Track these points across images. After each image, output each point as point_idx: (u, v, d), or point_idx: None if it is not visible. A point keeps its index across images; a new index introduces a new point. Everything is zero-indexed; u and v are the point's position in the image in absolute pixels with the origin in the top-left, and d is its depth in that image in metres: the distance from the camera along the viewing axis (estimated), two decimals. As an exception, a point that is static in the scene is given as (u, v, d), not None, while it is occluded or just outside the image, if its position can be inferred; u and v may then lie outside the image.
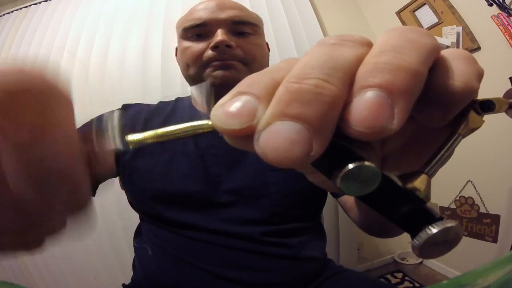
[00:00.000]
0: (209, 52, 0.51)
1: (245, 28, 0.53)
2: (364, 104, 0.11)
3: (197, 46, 0.52)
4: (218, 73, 0.50)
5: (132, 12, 1.27)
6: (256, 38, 0.55)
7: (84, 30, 1.27)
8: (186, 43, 0.54)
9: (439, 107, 0.13)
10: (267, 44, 0.60)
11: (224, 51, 0.50)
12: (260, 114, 0.11)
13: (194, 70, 0.53)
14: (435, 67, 0.13)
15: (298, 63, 0.12)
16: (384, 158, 0.17)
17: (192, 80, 0.55)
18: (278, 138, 0.10)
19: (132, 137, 0.13)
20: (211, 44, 0.50)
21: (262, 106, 0.12)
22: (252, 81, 0.12)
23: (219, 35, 0.49)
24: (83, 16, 1.31)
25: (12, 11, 1.43)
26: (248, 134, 0.11)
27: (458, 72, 0.13)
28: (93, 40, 1.25)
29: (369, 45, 0.13)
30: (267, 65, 0.57)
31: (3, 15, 1.44)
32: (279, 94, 0.11)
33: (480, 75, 0.14)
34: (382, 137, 0.11)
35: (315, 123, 0.10)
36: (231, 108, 0.12)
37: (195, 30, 0.53)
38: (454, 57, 0.13)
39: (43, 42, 1.29)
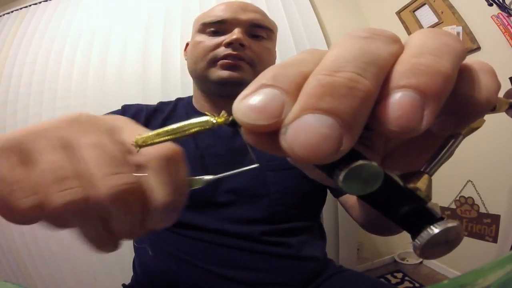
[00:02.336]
0: (222, 49, 0.52)
1: (261, 31, 0.55)
2: (399, 104, 0.11)
3: (210, 41, 0.53)
4: (225, 72, 0.51)
5: (133, 13, 1.27)
6: (269, 43, 0.57)
7: (84, 31, 1.27)
8: (201, 37, 0.55)
9: (456, 116, 0.13)
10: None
11: (237, 49, 0.51)
12: (287, 109, 0.11)
13: (202, 65, 0.53)
14: (461, 76, 0.13)
15: (328, 55, 0.12)
16: (386, 155, 0.17)
17: (198, 76, 0.55)
18: (308, 132, 0.10)
19: (140, 138, 0.13)
20: (226, 40, 0.51)
21: (289, 100, 0.11)
22: (277, 73, 0.12)
23: (236, 33, 0.51)
24: (83, 17, 1.31)
25: (12, 11, 1.43)
26: (273, 130, 0.11)
27: (484, 85, 0.13)
28: (93, 41, 1.25)
29: (399, 42, 0.13)
30: None
31: (3, 15, 1.44)
32: (310, 87, 0.11)
33: (499, 90, 0.14)
34: (407, 136, 0.11)
35: (347, 118, 0.10)
36: (256, 102, 0.11)
37: (213, 26, 0.54)
38: (481, 70, 0.13)
39: (42, 42, 1.29)
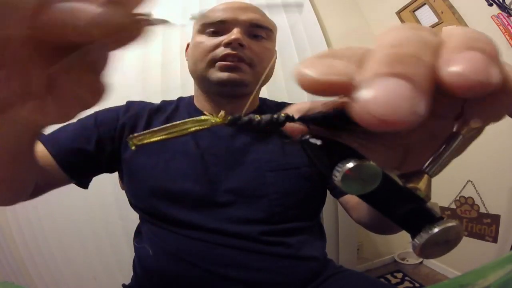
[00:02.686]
0: (221, 49, 0.51)
1: (260, 31, 0.55)
2: (472, 58, 0.11)
3: (210, 41, 0.53)
4: (224, 74, 0.51)
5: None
6: (268, 43, 0.57)
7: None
8: (200, 38, 0.55)
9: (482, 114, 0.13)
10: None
11: (236, 49, 0.51)
12: (353, 74, 0.11)
13: (202, 66, 0.53)
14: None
15: (384, 36, 0.12)
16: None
17: (198, 76, 0.56)
18: (385, 93, 0.10)
19: (135, 136, 0.13)
20: (225, 40, 0.51)
21: (353, 67, 0.12)
22: (334, 52, 0.12)
23: (235, 33, 0.51)
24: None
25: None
26: (337, 90, 0.11)
27: None
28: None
29: (441, 36, 0.13)
30: (271, 69, 0.59)
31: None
32: (378, 57, 0.11)
33: None
34: (480, 94, 0.11)
35: (420, 81, 0.11)
36: (322, 64, 0.12)
37: (213, 26, 0.54)
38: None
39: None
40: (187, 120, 0.13)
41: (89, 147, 0.51)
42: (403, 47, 0.11)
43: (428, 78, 0.11)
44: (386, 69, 0.11)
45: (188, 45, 0.62)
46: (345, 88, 0.11)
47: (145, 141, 0.13)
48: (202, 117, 0.13)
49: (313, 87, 0.12)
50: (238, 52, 0.51)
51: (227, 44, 0.51)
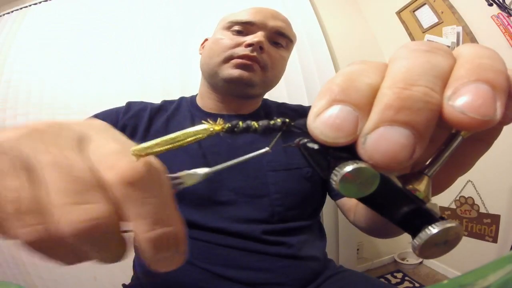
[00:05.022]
0: (241, 48, 0.53)
1: (282, 40, 0.57)
2: (477, 93, 0.11)
3: (232, 39, 0.54)
4: (236, 71, 0.52)
5: (135, 16, 1.27)
6: (285, 52, 0.59)
7: (84, 31, 1.27)
8: (224, 34, 0.56)
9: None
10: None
11: (255, 51, 0.52)
12: (362, 124, 0.12)
13: (216, 60, 0.54)
14: None
15: (398, 66, 0.12)
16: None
17: (209, 71, 0.56)
18: (387, 143, 0.11)
19: (137, 148, 0.13)
20: (248, 41, 0.52)
21: (362, 115, 0.12)
22: (346, 87, 0.12)
23: (258, 36, 0.52)
24: (84, 17, 1.31)
25: (12, 11, 1.43)
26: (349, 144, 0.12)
27: None
28: (95, 42, 1.25)
29: (452, 54, 0.13)
30: (280, 76, 0.60)
31: (3, 15, 1.44)
32: (388, 99, 0.11)
33: None
34: (483, 129, 0.11)
35: (422, 129, 0.11)
36: (332, 120, 0.12)
37: (240, 25, 0.55)
38: None
39: (43, 42, 1.29)
40: (184, 131, 0.13)
41: None
42: (415, 86, 0.11)
43: (434, 121, 0.11)
44: (390, 116, 0.11)
45: (205, 40, 0.63)
46: (353, 141, 0.12)
47: (148, 152, 0.13)
48: (201, 127, 0.13)
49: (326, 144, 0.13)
50: (257, 55, 0.52)
51: (249, 45, 0.52)
